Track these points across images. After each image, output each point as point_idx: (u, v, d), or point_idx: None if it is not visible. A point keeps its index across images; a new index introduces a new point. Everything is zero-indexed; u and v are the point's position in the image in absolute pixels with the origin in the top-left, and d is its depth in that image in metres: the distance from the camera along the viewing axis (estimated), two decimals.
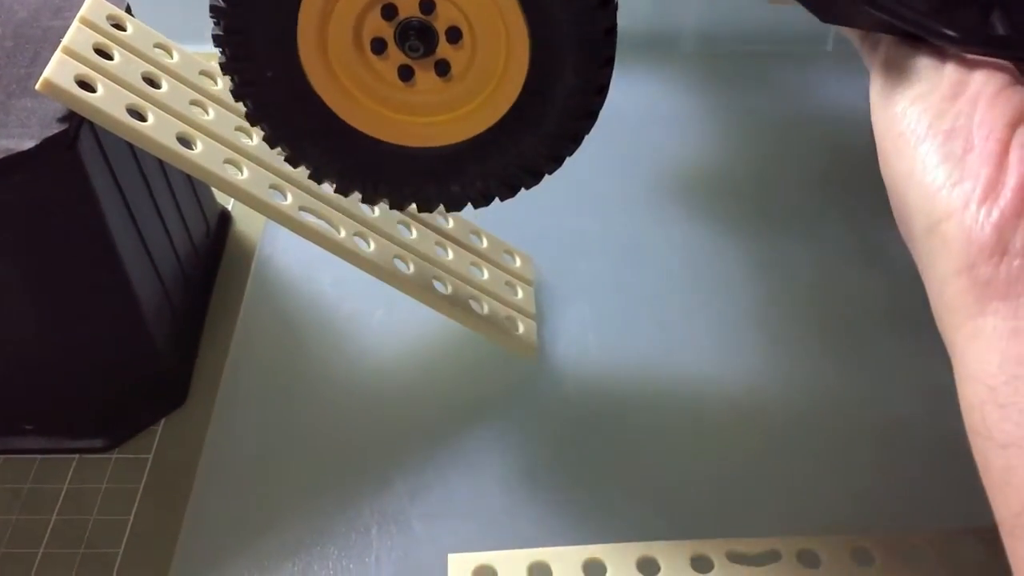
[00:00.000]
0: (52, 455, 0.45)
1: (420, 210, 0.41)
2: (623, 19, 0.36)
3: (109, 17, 0.42)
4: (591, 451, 0.45)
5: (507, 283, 0.50)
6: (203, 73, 0.45)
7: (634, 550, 0.40)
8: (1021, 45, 0.31)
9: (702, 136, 0.62)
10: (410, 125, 0.39)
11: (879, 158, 0.32)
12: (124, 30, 0.43)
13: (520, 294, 0.50)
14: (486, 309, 0.47)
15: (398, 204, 0.40)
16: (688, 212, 0.57)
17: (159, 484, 0.44)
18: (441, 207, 0.41)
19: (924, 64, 0.32)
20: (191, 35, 0.57)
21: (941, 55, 0.32)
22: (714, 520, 0.42)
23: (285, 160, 0.39)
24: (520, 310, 0.49)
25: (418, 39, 0.36)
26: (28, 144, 0.38)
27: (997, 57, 0.31)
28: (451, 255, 0.48)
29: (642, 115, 0.63)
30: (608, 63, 0.37)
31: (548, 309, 0.51)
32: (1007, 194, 0.28)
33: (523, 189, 0.40)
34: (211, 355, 0.49)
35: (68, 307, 0.42)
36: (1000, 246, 0.28)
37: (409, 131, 0.39)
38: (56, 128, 0.39)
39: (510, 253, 0.52)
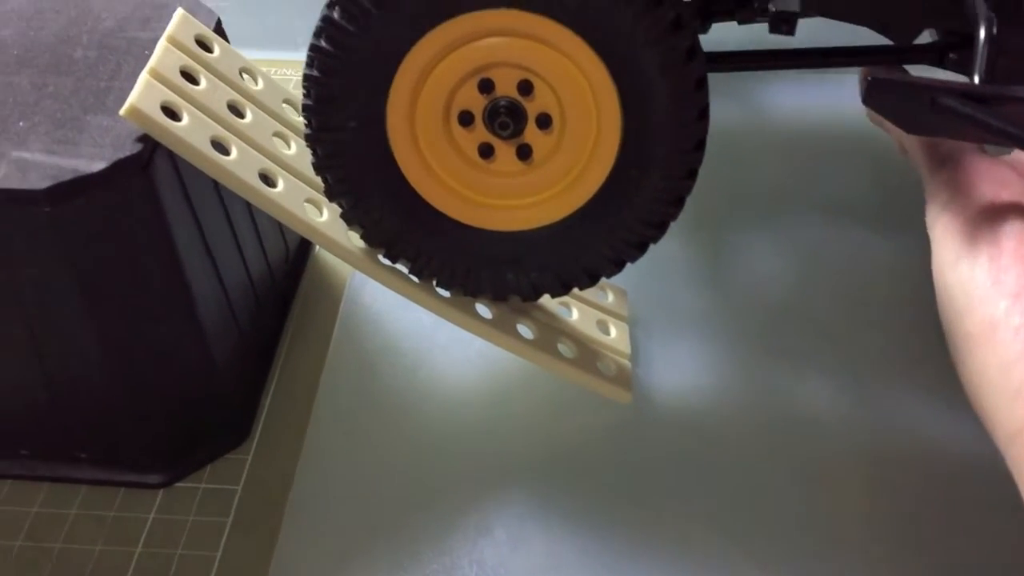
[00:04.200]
0: (104, 487, 0.43)
1: (466, 293, 0.41)
2: None
3: (197, 37, 0.40)
4: (698, 502, 0.42)
5: (599, 322, 0.47)
6: (286, 102, 0.43)
7: None
8: None
9: (792, 151, 0.59)
10: (479, 206, 0.38)
11: (944, 321, 0.31)
12: (211, 51, 0.41)
13: (613, 333, 0.47)
14: (575, 352, 0.44)
15: (449, 284, 0.40)
16: (798, 234, 0.54)
17: (248, 518, 0.42)
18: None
19: (1006, 230, 0.31)
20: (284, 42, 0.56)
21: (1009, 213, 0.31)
22: None
23: (362, 238, 0.39)
24: (613, 350, 0.46)
25: (508, 117, 0.36)
26: (99, 166, 0.36)
27: None
28: None
29: (735, 131, 0.60)
30: (691, 176, 0.37)
31: (644, 348, 0.48)
32: None
33: (576, 289, 0.40)
34: (292, 384, 0.47)
35: (130, 331, 0.40)
36: None
37: (477, 212, 0.38)
38: (130, 149, 0.37)
39: (602, 288, 0.49)
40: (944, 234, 0.33)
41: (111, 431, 0.42)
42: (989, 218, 0.32)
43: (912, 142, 0.39)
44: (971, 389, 0.30)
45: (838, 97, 0.59)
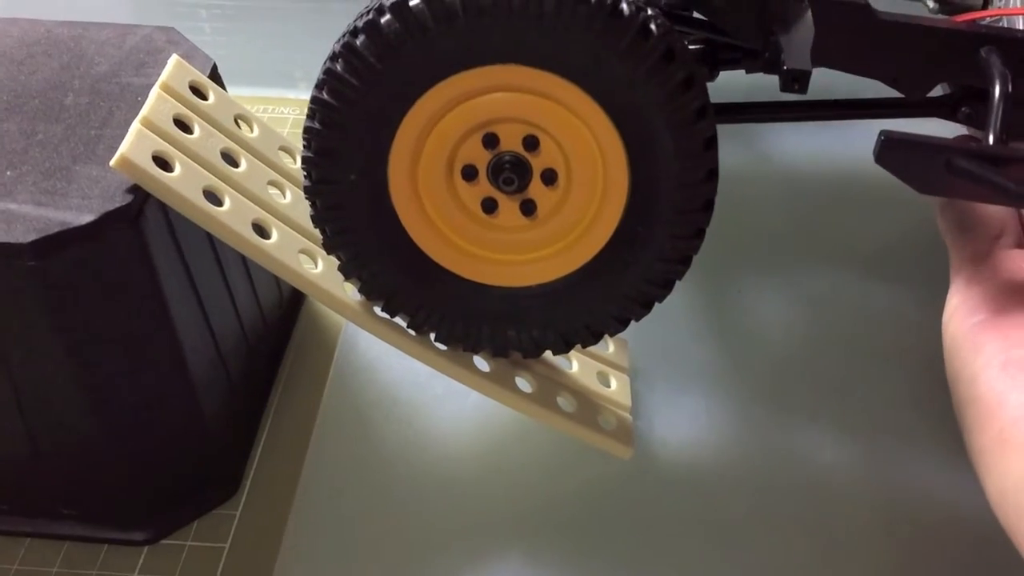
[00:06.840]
0: (89, 544, 0.41)
1: (465, 349, 0.39)
2: None
3: (191, 84, 0.39)
4: (700, 563, 0.41)
5: (599, 373, 0.45)
6: (283, 149, 0.42)
7: None
8: None
9: (797, 199, 0.58)
10: (481, 261, 0.37)
11: (962, 430, 0.30)
12: (206, 98, 0.40)
13: (614, 385, 0.45)
14: (575, 406, 0.43)
15: (448, 339, 0.39)
16: (804, 283, 0.52)
17: None
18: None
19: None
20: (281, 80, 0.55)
21: None
22: None
23: (360, 291, 0.38)
24: (614, 403, 0.45)
25: (512, 172, 0.35)
26: (86, 218, 0.35)
27: None
28: None
29: (737, 177, 0.59)
30: (699, 235, 0.36)
31: (646, 400, 0.47)
32: None
33: (579, 347, 0.39)
34: (283, 436, 0.46)
35: (115, 385, 0.39)
36: None
37: (479, 267, 0.37)
38: (120, 201, 0.35)
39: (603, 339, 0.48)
40: (952, 343, 0.33)
41: (94, 486, 0.41)
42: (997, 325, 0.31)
43: (942, 224, 0.38)
44: (993, 490, 0.29)
45: (844, 144, 0.58)
